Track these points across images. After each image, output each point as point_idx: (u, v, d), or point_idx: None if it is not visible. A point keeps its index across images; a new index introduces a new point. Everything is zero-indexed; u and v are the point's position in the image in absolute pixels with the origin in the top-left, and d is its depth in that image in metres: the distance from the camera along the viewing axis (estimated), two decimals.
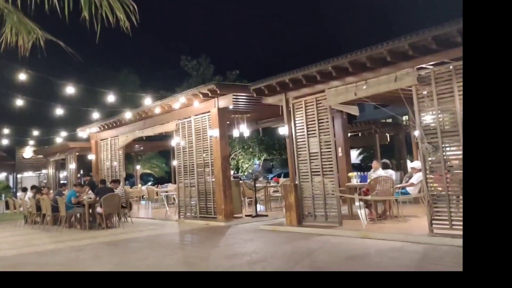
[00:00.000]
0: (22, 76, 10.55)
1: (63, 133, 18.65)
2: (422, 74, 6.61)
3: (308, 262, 5.53)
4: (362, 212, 8.33)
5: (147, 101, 12.10)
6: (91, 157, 16.16)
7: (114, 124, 14.11)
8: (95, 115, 14.20)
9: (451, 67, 6.31)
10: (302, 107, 8.55)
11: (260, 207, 11.83)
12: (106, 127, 14.66)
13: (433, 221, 6.46)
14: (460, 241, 5.82)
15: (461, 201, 6.40)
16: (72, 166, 18.58)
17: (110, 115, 15.25)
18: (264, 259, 5.90)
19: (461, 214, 6.26)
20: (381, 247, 6.17)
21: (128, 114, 12.69)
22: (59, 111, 13.09)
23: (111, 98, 11.92)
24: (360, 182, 8.77)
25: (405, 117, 15.32)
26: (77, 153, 18.51)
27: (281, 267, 5.34)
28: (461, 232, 6.07)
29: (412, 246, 6.04)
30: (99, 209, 10.43)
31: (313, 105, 8.34)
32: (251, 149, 20.60)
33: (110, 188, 11.02)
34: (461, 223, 6.17)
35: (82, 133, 16.36)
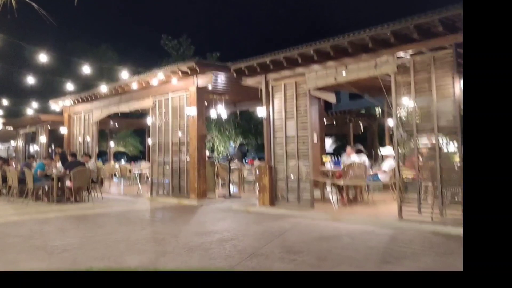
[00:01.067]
0: None
1: (35, 105, 17.78)
2: (401, 62, 6.54)
3: (279, 242, 5.42)
4: (334, 197, 8.30)
5: (124, 75, 11.60)
6: (63, 130, 15.53)
7: (89, 98, 13.56)
8: (69, 86, 13.51)
9: (429, 56, 6.26)
10: (281, 90, 8.38)
11: (233, 189, 11.67)
12: (80, 100, 14.07)
13: (403, 207, 6.47)
14: (427, 226, 5.87)
15: (430, 189, 6.44)
16: (43, 139, 17.86)
17: (86, 88, 14.61)
18: (235, 237, 5.76)
19: (430, 202, 6.30)
20: (351, 230, 6.13)
21: (103, 88, 12.17)
22: (31, 80, 12.37)
23: (86, 69, 11.35)
24: (334, 166, 8.72)
25: (378, 109, 15.47)
26: (48, 126, 17.77)
27: (252, 245, 5.21)
28: (428, 219, 6.11)
29: (381, 230, 6.03)
30: (68, 183, 10.02)
31: (292, 88, 8.18)
32: (227, 132, 20.35)
33: (80, 162, 10.60)
34: (430, 209, 6.20)
35: (55, 105, 15.64)
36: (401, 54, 6.55)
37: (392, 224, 6.23)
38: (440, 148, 6.20)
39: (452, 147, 6.29)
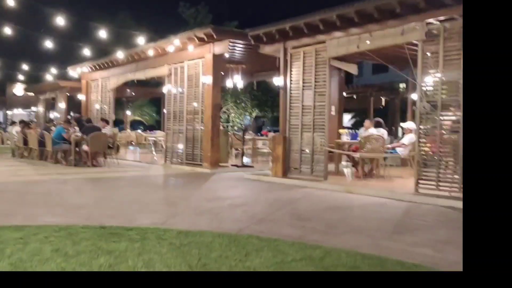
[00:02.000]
0: (11, 2, 9.93)
1: (54, 71, 18.03)
2: (430, 29, 6.26)
3: (289, 209, 5.44)
4: (348, 170, 8.24)
5: (141, 41, 11.57)
6: (81, 97, 15.75)
7: (106, 65, 13.63)
8: (87, 52, 13.61)
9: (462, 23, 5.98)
10: (300, 58, 8.20)
11: (247, 159, 11.72)
12: (97, 67, 14.17)
13: (420, 181, 6.37)
14: (444, 201, 5.78)
15: (450, 165, 6.31)
16: (62, 105, 18.18)
17: (103, 55, 14.68)
18: (246, 203, 5.81)
19: (450, 177, 6.17)
20: (364, 202, 6.10)
21: (120, 55, 12.19)
22: (49, 44, 12.49)
23: (103, 34, 11.34)
24: (351, 139, 8.62)
25: (402, 85, 15.06)
26: (67, 93, 18.05)
27: (262, 211, 5.25)
28: (446, 194, 6.01)
29: (395, 203, 5.97)
30: (85, 147, 10.21)
31: (311, 56, 7.99)
32: (243, 104, 20.24)
33: (97, 127, 10.77)
34: (448, 184, 6.09)
35: (73, 72, 15.83)
36: (431, 20, 6.25)
37: (407, 197, 6.16)
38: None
39: None
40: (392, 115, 15.26)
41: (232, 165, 10.50)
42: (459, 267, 3.14)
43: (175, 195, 6.57)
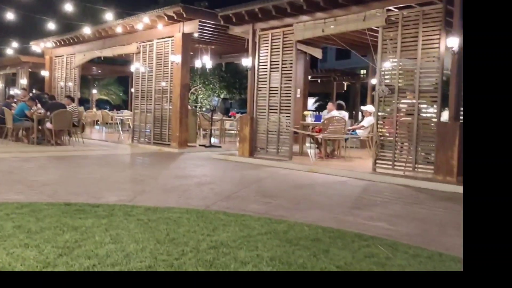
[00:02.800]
0: None
1: (15, 45, 16.98)
2: (390, 16, 6.40)
3: (255, 187, 5.50)
4: (311, 151, 8.39)
5: (109, 17, 11.09)
6: (44, 73, 15.00)
7: (72, 41, 12.99)
8: (51, 26, 12.87)
9: (419, 11, 6.13)
10: (268, 40, 8.18)
11: (214, 139, 11.66)
12: (62, 42, 13.48)
13: (377, 161, 6.60)
14: (399, 180, 6.02)
15: (405, 146, 6.55)
16: (24, 81, 17.23)
17: (68, 30, 13.99)
18: (213, 181, 5.81)
19: (405, 157, 6.42)
20: (326, 180, 6.25)
21: (87, 30, 11.65)
22: (10, 16, 11.71)
23: (69, 7, 10.75)
24: (314, 121, 8.75)
25: (363, 70, 15.40)
26: (29, 69, 17.11)
27: (229, 189, 5.27)
28: (401, 173, 6.25)
29: (355, 181, 6.16)
30: (48, 125, 9.80)
31: (279, 38, 7.99)
32: (211, 85, 20.04)
33: (62, 104, 10.33)
34: (403, 165, 6.34)
35: (36, 47, 14.97)
36: (391, 7, 6.39)
37: (366, 176, 6.37)
38: (419, 106, 6.24)
39: (431, 106, 6.34)
40: (353, 99, 15.58)
41: (200, 145, 10.43)
42: (409, 238, 3.32)
43: (143, 174, 6.47)
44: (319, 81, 16.36)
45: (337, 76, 15.09)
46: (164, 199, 4.55)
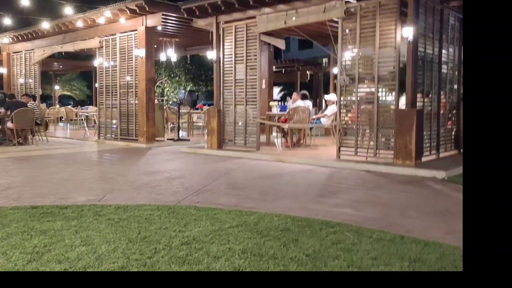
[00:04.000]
0: None
1: None
2: (349, 7, 6.50)
3: (224, 180, 5.49)
4: (278, 140, 8.46)
5: (68, 11, 10.61)
6: (2, 70, 14.21)
7: (30, 36, 12.34)
8: (7, 21, 12.18)
9: (376, 2, 6.26)
10: (232, 33, 8.10)
11: (182, 133, 11.51)
12: (20, 38, 12.77)
13: (341, 149, 6.75)
14: (361, 166, 6.19)
15: (367, 133, 6.73)
16: None
17: (26, 25, 13.27)
18: (183, 176, 5.75)
19: (366, 143, 6.60)
20: (293, 169, 6.33)
21: (45, 25, 11.09)
22: None
23: (26, 1, 10.18)
24: (280, 111, 8.81)
25: (325, 59, 15.60)
26: None
27: (199, 183, 5.24)
28: (363, 159, 6.42)
29: (320, 169, 6.28)
30: (9, 124, 9.32)
31: (243, 31, 7.94)
32: (177, 78, 19.67)
33: (22, 103, 9.84)
34: (365, 151, 6.51)
35: None
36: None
37: (330, 164, 6.51)
38: (378, 94, 6.41)
39: (390, 93, 6.53)
40: (316, 88, 15.80)
41: (168, 139, 10.27)
42: (373, 223, 3.43)
43: (111, 171, 6.31)
44: (283, 71, 16.46)
45: (301, 66, 15.23)
46: (134, 197, 4.47)
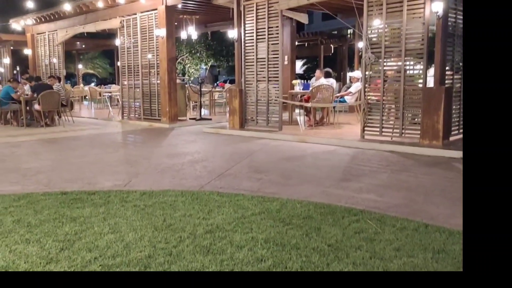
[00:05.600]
0: None
1: None
2: None
3: (247, 162, 5.55)
4: (301, 119, 8.41)
5: None
6: (27, 52, 14.55)
7: (52, 17, 12.52)
8: (30, 4, 12.41)
9: None
10: (253, 10, 7.97)
11: (204, 111, 11.59)
12: (43, 19, 12.98)
13: (365, 128, 6.66)
14: (386, 146, 6.11)
15: (392, 110, 6.60)
16: (7, 60, 16.76)
17: (49, 6, 13.45)
18: (206, 158, 5.84)
19: (391, 123, 6.48)
20: (315, 150, 6.32)
21: (67, 6, 11.21)
22: None
23: None
24: (303, 90, 8.71)
25: (350, 31, 15.13)
26: (11, 47, 16.58)
27: (221, 166, 5.32)
28: (388, 139, 6.33)
29: (344, 150, 6.24)
30: (37, 106, 9.63)
31: (264, 9, 7.79)
32: (198, 54, 19.63)
33: (48, 85, 10.11)
34: (390, 130, 6.40)
35: (16, 24, 14.42)
36: None
37: (354, 144, 6.45)
38: (405, 71, 6.23)
39: (417, 70, 6.34)
40: (340, 62, 15.45)
41: (190, 119, 10.38)
42: (396, 210, 3.43)
43: (135, 154, 6.47)
44: (306, 45, 16.14)
45: (324, 39, 14.88)
46: (159, 181, 4.60)
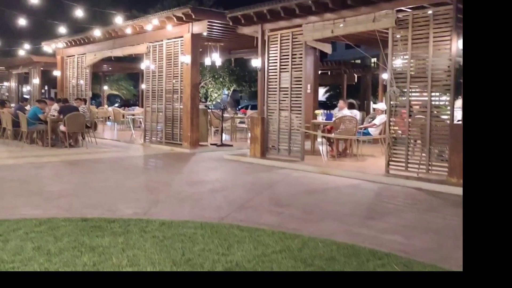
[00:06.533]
0: None
1: (27, 46, 17.22)
2: (400, 17, 6.29)
3: (268, 194, 5.50)
4: (323, 149, 8.35)
5: (118, 19, 11.14)
6: (56, 73, 15.14)
7: (82, 41, 13.07)
8: (62, 30, 13.04)
9: (429, 12, 6.02)
10: (277, 41, 8.11)
11: (225, 137, 11.68)
12: (73, 43, 13.56)
13: (390, 162, 6.54)
14: (412, 182, 5.97)
15: (418, 145, 6.48)
16: (36, 81, 17.45)
17: (79, 31, 14.07)
18: (226, 188, 5.83)
19: (417, 158, 6.35)
20: (338, 183, 6.22)
21: (97, 32, 11.70)
22: (22, 21, 11.88)
23: (79, 12, 10.88)
24: (326, 120, 8.69)
25: (374, 59, 15.17)
26: (41, 68, 17.30)
27: (242, 197, 5.29)
28: (414, 175, 6.19)
29: (368, 184, 6.13)
30: (62, 127, 9.91)
31: (288, 39, 7.92)
32: (221, 79, 19.97)
33: (74, 107, 10.43)
34: (416, 166, 6.27)
35: (48, 47, 15.12)
36: (401, 8, 6.27)
37: (379, 179, 6.32)
38: (431, 106, 6.15)
39: (443, 105, 6.25)
40: (364, 91, 15.43)
41: (211, 144, 10.46)
42: (424, 254, 3.30)
43: (157, 180, 6.52)
44: (329, 73, 16.22)
45: (348, 68, 14.92)
46: (179, 210, 4.59)
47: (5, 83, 23.01)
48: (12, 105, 13.66)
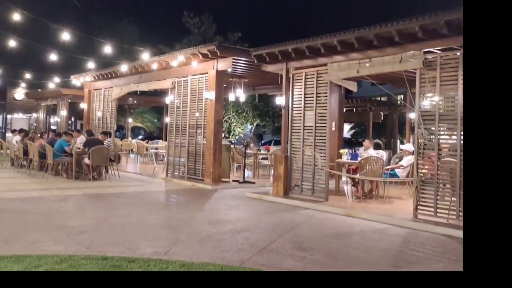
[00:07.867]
0: (17, 16, 10.00)
1: (57, 79, 18.18)
2: (428, 58, 6.37)
3: (290, 236, 5.47)
4: (348, 189, 8.28)
5: (145, 55, 11.69)
6: (83, 106, 15.81)
7: (109, 75, 13.70)
8: (90, 64, 13.78)
9: (458, 53, 6.07)
10: (302, 79, 8.28)
11: (248, 173, 11.74)
12: (100, 77, 14.23)
13: (418, 207, 6.42)
14: (442, 229, 5.82)
15: (447, 189, 6.35)
16: (64, 113, 18.22)
17: (106, 65, 14.78)
18: (248, 228, 5.83)
19: (447, 202, 6.21)
20: (364, 227, 6.13)
21: (124, 67, 12.28)
22: (53, 57, 12.64)
23: (108, 49, 11.51)
24: (351, 159, 8.66)
25: (400, 96, 15.17)
26: (69, 100, 18.12)
27: (264, 238, 5.28)
28: (444, 220, 6.05)
29: (394, 229, 6.01)
30: (86, 160, 10.25)
31: (313, 77, 8.07)
32: (244, 114, 20.31)
33: (99, 140, 10.79)
34: (446, 211, 6.13)
35: (76, 80, 15.94)
36: (429, 49, 6.36)
37: (406, 223, 6.19)
38: (461, 148, 6.07)
39: None
40: (390, 130, 15.34)
41: (233, 181, 10.53)
42: None
43: (178, 217, 6.60)
44: (354, 110, 16.28)
45: (373, 106, 14.96)
46: (199, 251, 4.62)
47: (34, 114, 24.07)
48: (43, 137, 14.22)
